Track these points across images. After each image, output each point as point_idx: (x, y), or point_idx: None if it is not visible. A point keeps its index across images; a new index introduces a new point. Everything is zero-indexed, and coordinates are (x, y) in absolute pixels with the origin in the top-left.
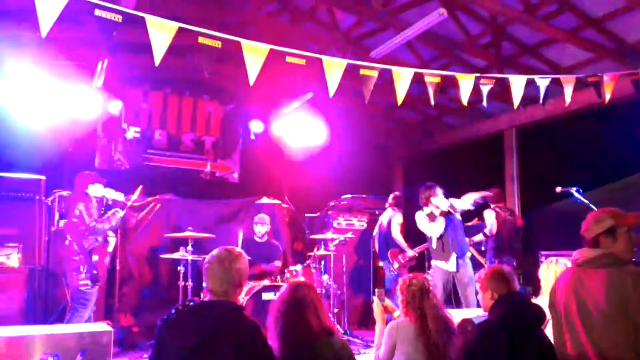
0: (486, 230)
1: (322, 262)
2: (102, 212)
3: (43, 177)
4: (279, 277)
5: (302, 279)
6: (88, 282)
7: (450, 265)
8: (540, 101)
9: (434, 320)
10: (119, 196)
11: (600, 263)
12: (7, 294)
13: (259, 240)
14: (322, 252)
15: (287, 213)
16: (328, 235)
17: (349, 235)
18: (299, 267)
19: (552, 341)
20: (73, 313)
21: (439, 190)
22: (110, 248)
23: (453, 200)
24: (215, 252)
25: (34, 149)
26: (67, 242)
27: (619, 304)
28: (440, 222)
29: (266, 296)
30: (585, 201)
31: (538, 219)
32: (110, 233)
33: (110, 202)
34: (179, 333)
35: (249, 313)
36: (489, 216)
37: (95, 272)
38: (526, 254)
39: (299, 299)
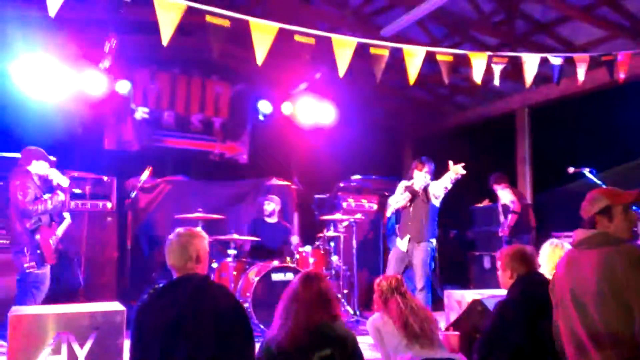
0: (513, 208)
1: (332, 243)
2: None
3: (54, 158)
4: (288, 258)
5: (311, 260)
6: (33, 263)
7: (403, 244)
8: (554, 80)
9: (399, 310)
10: (64, 181)
11: (593, 243)
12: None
13: (269, 220)
14: (331, 233)
15: (296, 194)
16: (337, 216)
17: (358, 216)
18: (308, 248)
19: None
20: (24, 298)
21: (426, 168)
22: (62, 227)
23: (433, 183)
24: (176, 230)
25: (44, 130)
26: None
27: (611, 283)
28: (404, 198)
29: (276, 277)
30: (598, 182)
31: (550, 201)
32: (66, 213)
33: (55, 184)
34: (156, 313)
35: (259, 294)
36: (506, 194)
37: (39, 252)
38: (539, 235)
39: (312, 295)
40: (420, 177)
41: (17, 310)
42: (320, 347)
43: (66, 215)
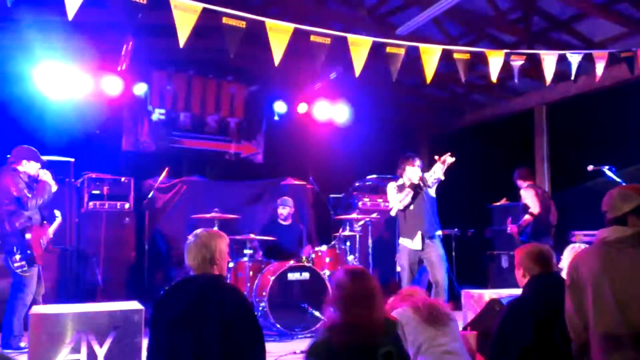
0: (532, 210)
1: (348, 243)
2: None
3: (72, 160)
4: (304, 257)
5: (327, 259)
6: (23, 263)
7: (415, 243)
8: (572, 77)
9: (425, 308)
10: (52, 184)
11: (634, 242)
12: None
13: (283, 223)
14: (347, 232)
15: (311, 194)
16: (353, 215)
17: (374, 215)
18: (324, 247)
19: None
20: (15, 300)
21: (417, 162)
22: (54, 227)
23: (425, 174)
24: (195, 231)
25: (64, 132)
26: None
27: None
28: (407, 194)
29: (292, 276)
30: (618, 180)
31: (569, 199)
32: (57, 212)
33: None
34: (165, 309)
35: (275, 293)
36: (528, 195)
37: (29, 252)
38: (556, 233)
39: (364, 289)
40: (415, 171)
41: (38, 309)
42: (383, 343)
43: (57, 214)
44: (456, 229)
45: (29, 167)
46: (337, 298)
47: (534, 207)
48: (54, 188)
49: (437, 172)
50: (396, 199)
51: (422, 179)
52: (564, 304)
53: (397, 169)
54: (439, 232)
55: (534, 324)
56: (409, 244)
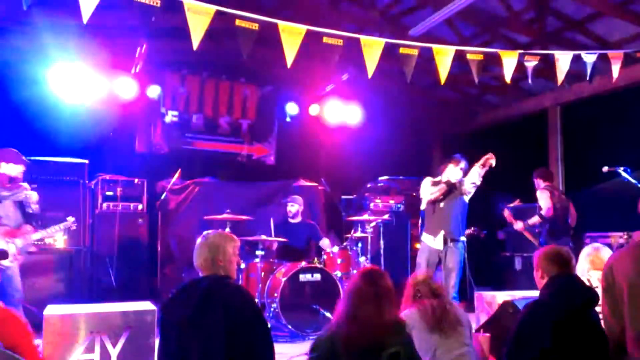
0: (542, 212)
1: (359, 244)
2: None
3: (86, 161)
4: (315, 258)
5: (339, 261)
6: None
7: (437, 242)
8: (587, 78)
9: (432, 315)
10: (34, 195)
11: None
12: (55, 274)
13: (292, 221)
14: (359, 234)
15: (323, 195)
16: (365, 217)
17: (386, 217)
18: (335, 248)
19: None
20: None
21: (462, 164)
22: (42, 235)
23: (464, 179)
24: (204, 232)
25: (78, 134)
26: None
27: None
28: (440, 190)
29: (303, 277)
30: (634, 181)
31: (584, 200)
32: (71, 218)
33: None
34: (172, 310)
35: (287, 294)
36: (543, 197)
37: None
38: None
39: (383, 290)
40: (456, 172)
41: (52, 309)
42: (390, 344)
43: (70, 219)
44: (473, 228)
45: (8, 169)
46: (347, 294)
47: (546, 209)
48: (35, 197)
49: (474, 177)
50: (428, 191)
51: (460, 182)
52: (584, 303)
53: (442, 165)
54: (463, 238)
55: (552, 326)
56: (431, 241)
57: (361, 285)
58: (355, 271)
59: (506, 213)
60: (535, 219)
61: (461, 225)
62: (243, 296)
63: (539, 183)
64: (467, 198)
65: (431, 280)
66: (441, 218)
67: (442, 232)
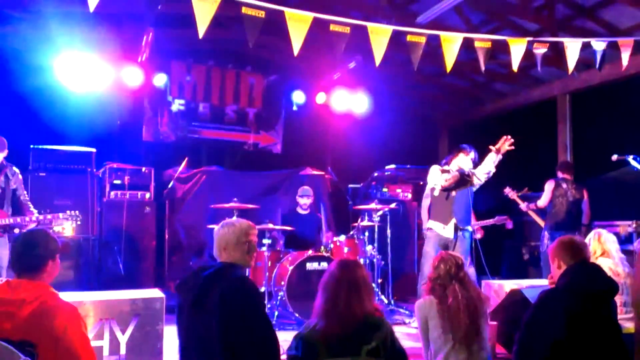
0: (539, 201)
1: (366, 233)
2: None
3: (94, 150)
4: (322, 247)
5: (345, 249)
6: None
7: (448, 231)
8: (596, 66)
9: (455, 309)
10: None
11: None
12: (63, 262)
13: (302, 212)
14: (365, 222)
15: (330, 184)
16: (372, 205)
17: (392, 205)
18: (342, 237)
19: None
20: None
21: (473, 154)
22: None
23: (477, 169)
24: None
25: (85, 122)
26: None
27: None
28: (454, 177)
29: (310, 266)
30: None
31: (592, 189)
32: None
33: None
34: (182, 294)
35: (294, 283)
36: (546, 187)
37: None
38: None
39: (354, 278)
40: (467, 162)
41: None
42: (368, 339)
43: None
44: (497, 217)
45: None
46: (323, 287)
47: (542, 200)
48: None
49: (489, 165)
50: (441, 177)
51: (471, 172)
52: (602, 291)
53: (448, 156)
54: (470, 228)
55: (566, 316)
56: (440, 229)
57: (337, 277)
58: (362, 259)
59: (508, 191)
60: (530, 206)
61: (469, 215)
62: (239, 286)
63: (558, 174)
64: (474, 188)
65: (456, 266)
66: (453, 206)
67: (454, 220)
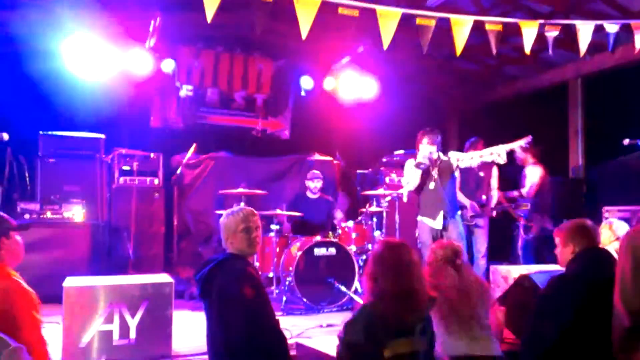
0: (524, 190)
1: (375, 219)
2: None
3: (103, 136)
4: (330, 233)
5: (354, 235)
6: None
7: (437, 223)
8: (609, 49)
9: (451, 285)
10: None
11: None
12: (74, 247)
13: (312, 196)
14: (374, 208)
15: (338, 169)
16: (380, 191)
17: (401, 191)
18: (350, 223)
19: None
20: None
21: (428, 138)
22: None
23: (468, 155)
24: None
25: (93, 108)
26: None
27: None
28: (414, 174)
29: (318, 251)
30: None
31: (603, 174)
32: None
33: None
34: (197, 282)
35: (302, 268)
36: (533, 174)
37: None
38: (589, 209)
39: (411, 262)
40: (430, 148)
41: (71, 281)
42: (420, 319)
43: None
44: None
45: None
46: (384, 269)
47: (530, 188)
48: None
49: (502, 153)
50: (404, 179)
51: (429, 157)
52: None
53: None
54: (459, 212)
55: (578, 301)
56: (431, 223)
57: (401, 260)
58: (370, 245)
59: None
60: (512, 196)
61: (455, 202)
62: (234, 280)
63: (528, 159)
64: (457, 172)
65: (452, 251)
66: (436, 200)
67: (441, 213)
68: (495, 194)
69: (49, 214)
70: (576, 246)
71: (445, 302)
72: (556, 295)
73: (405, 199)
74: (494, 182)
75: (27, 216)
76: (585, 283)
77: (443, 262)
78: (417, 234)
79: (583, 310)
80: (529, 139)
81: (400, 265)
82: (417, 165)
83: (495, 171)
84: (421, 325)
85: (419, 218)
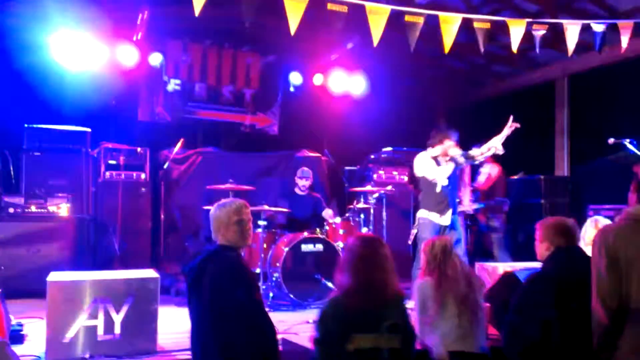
0: (478, 181)
1: (362, 215)
2: None
3: (89, 129)
4: (318, 229)
5: (341, 231)
6: None
7: (445, 219)
8: (596, 48)
9: (454, 280)
10: None
11: None
12: (58, 242)
13: (300, 192)
14: (361, 205)
15: (326, 166)
16: (368, 188)
17: (389, 188)
18: (338, 219)
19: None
20: None
21: (453, 139)
22: None
23: (478, 150)
24: None
25: (80, 102)
26: None
27: None
28: (449, 168)
29: (305, 248)
30: (639, 153)
31: (588, 172)
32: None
33: None
34: (186, 278)
35: (289, 264)
36: (491, 170)
37: None
38: (574, 207)
39: (380, 255)
40: (454, 148)
41: (55, 276)
42: (390, 316)
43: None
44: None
45: None
46: (350, 262)
47: (485, 180)
48: None
49: (498, 144)
50: (439, 172)
51: (463, 155)
52: (587, 277)
53: (434, 139)
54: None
55: (555, 299)
56: (437, 218)
57: (363, 251)
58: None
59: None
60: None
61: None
62: (227, 269)
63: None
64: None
65: (450, 244)
66: (447, 195)
67: (450, 210)
68: (467, 191)
69: (33, 208)
70: (551, 244)
71: (449, 290)
72: (533, 294)
73: (438, 189)
74: (466, 178)
75: (11, 210)
76: (557, 282)
77: (444, 256)
78: (415, 231)
79: (560, 309)
80: (516, 124)
81: (367, 258)
82: (452, 160)
83: (467, 168)
84: (390, 322)
85: (422, 214)
